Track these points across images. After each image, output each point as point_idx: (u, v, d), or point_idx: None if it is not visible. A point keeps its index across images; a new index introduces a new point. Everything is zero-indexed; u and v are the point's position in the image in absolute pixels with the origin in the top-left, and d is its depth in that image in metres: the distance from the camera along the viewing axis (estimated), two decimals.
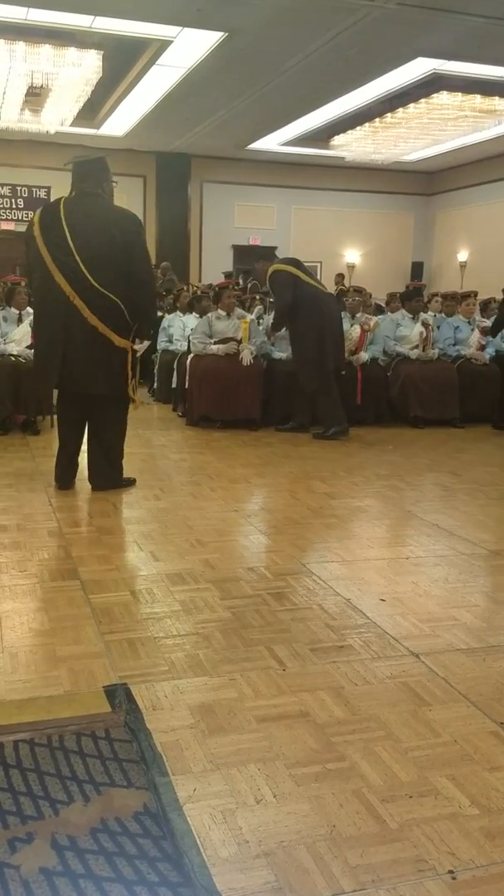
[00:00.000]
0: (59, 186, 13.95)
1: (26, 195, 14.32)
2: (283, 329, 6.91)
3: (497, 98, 11.04)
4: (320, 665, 2.49)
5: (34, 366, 4.86)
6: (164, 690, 2.30)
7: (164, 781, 1.86)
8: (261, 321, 7.65)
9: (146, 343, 4.84)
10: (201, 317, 7.53)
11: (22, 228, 14.30)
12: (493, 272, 8.29)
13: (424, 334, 7.38)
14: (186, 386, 7.11)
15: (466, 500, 4.64)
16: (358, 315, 7.44)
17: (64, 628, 2.72)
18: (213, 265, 15.25)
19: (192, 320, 8.18)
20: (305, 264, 6.92)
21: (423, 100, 11.25)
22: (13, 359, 6.45)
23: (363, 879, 1.58)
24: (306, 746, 2.04)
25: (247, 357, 6.81)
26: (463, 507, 4.51)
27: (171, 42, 8.88)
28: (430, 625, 2.83)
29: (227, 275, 12.62)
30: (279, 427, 6.85)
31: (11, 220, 14.35)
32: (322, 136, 13.65)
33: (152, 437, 6.51)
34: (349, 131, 13.15)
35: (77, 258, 4.31)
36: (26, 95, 10.80)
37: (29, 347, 6.54)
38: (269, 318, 7.48)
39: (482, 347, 7.56)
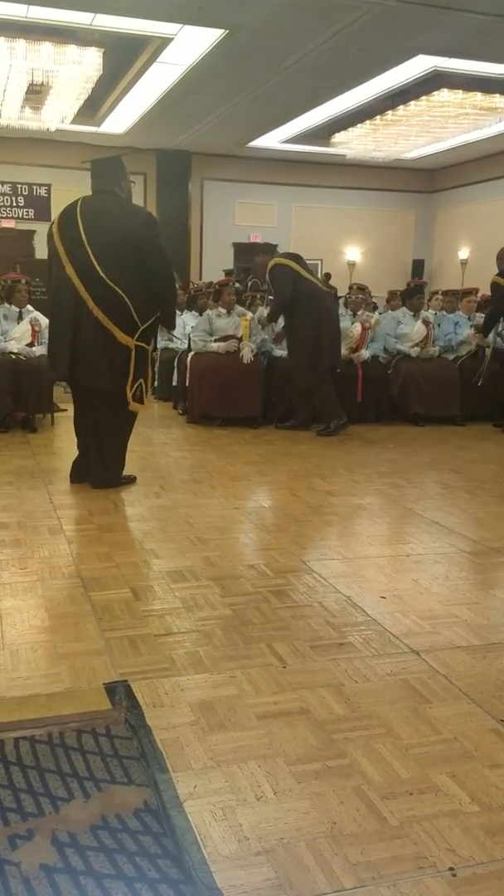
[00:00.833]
0: (60, 184, 13.99)
1: (27, 193, 14.31)
2: (279, 320, 6.94)
3: (498, 95, 11.01)
4: (321, 662, 2.49)
5: (47, 358, 4.91)
6: (164, 687, 2.30)
7: (164, 778, 1.86)
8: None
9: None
10: (200, 315, 7.52)
11: (22, 226, 14.40)
12: (494, 270, 8.27)
13: (425, 332, 7.38)
14: (187, 384, 7.11)
15: (467, 498, 4.64)
16: (359, 313, 7.44)
17: (64, 625, 2.73)
18: (213, 263, 15.23)
19: (191, 318, 8.18)
20: (306, 261, 6.93)
21: (423, 97, 11.22)
22: (13, 357, 6.45)
23: (363, 876, 1.58)
24: (307, 743, 2.04)
25: (247, 355, 6.81)
26: (463, 504, 4.51)
27: (172, 39, 8.87)
28: (431, 622, 2.83)
29: (228, 272, 12.61)
30: (279, 425, 6.85)
31: (12, 217, 14.33)
32: (323, 133, 13.63)
33: (153, 435, 6.51)
34: (350, 129, 13.13)
35: (89, 251, 4.37)
36: (27, 93, 10.79)
37: (29, 345, 6.56)
38: (263, 310, 7.51)
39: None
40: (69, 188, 13.90)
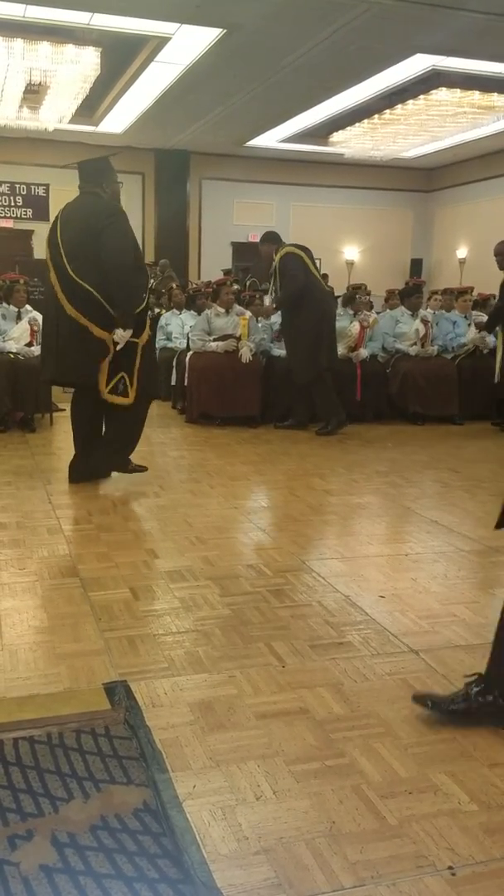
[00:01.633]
0: (58, 184, 13.97)
1: (25, 193, 14.31)
2: (275, 315, 6.89)
3: (495, 94, 11.01)
4: (320, 662, 2.50)
5: (40, 362, 4.93)
6: (163, 687, 2.30)
7: (163, 778, 1.86)
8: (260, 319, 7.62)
9: (125, 333, 4.42)
10: (199, 314, 7.52)
11: (21, 226, 14.40)
12: (492, 269, 8.26)
13: (423, 331, 7.38)
14: (185, 383, 7.10)
15: (466, 497, 4.64)
16: (358, 312, 7.44)
17: (63, 626, 2.73)
18: (212, 262, 15.23)
19: (189, 318, 8.17)
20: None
21: (421, 96, 11.22)
22: (12, 356, 6.45)
23: (363, 875, 1.59)
24: (306, 743, 2.04)
25: (246, 354, 6.81)
26: (462, 503, 4.51)
27: (170, 39, 8.86)
28: (430, 621, 2.84)
29: (226, 272, 12.61)
30: (278, 424, 6.85)
31: (10, 217, 14.33)
32: (321, 132, 13.62)
33: (151, 435, 6.50)
34: (348, 128, 13.13)
35: (61, 251, 4.44)
36: (24, 93, 10.78)
37: (28, 345, 6.56)
38: (267, 299, 7.45)
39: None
40: (67, 188, 13.81)
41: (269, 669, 2.43)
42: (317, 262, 7.27)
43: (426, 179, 16.90)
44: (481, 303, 8.22)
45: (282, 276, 6.63)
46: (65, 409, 7.30)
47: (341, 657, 2.53)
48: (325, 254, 15.89)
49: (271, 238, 6.89)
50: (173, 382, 7.94)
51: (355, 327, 7.25)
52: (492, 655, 2.19)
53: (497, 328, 7.13)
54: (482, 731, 2.11)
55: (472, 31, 8.34)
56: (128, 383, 4.54)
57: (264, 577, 3.27)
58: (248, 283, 11.22)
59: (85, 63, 9.52)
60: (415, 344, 7.38)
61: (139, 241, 5.22)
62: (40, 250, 14.33)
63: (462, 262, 15.99)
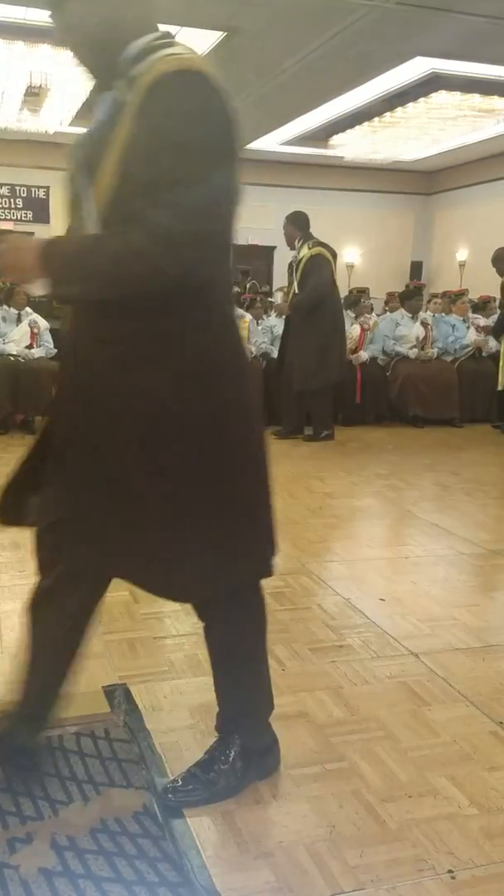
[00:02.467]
0: (59, 186, 14.02)
1: (25, 195, 14.32)
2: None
3: (496, 97, 11.02)
4: (319, 665, 2.49)
5: None
6: (163, 690, 2.30)
7: (163, 781, 1.86)
8: (260, 322, 7.61)
9: None
10: None
11: (21, 228, 14.39)
12: (492, 272, 8.29)
13: (423, 334, 7.39)
14: None
15: (466, 500, 4.64)
16: (359, 315, 7.45)
17: None
18: None
19: None
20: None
21: (421, 99, 11.23)
22: (12, 359, 6.45)
23: (362, 879, 1.58)
24: (305, 747, 2.03)
25: None
26: (462, 506, 4.50)
27: None
28: (430, 624, 2.83)
29: None
30: (307, 437, 6.47)
31: (10, 220, 14.35)
32: (321, 135, 13.63)
33: None
34: (348, 131, 13.13)
35: None
36: (25, 95, 10.79)
37: (28, 347, 6.56)
38: (279, 296, 7.21)
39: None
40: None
41: (269, 673, 2.43)
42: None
43: (426, 182, 16.92)
44: (481, 305, 8.23)
45: (306, 277, 6.17)
46: None
47: (341, 660, 2.53)
48: None
49: (299, 222, 6.30)
50: None
51: (356, 330, 7.25)
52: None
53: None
54: (482, 735, 2.11)
55: (472, 34, 8.35)
56: None
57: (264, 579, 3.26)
58: (247, 286, 11.22)
59: None
60: (415, 347, 7.38)
61: None
62: None
63: (462, 264, 16.00)
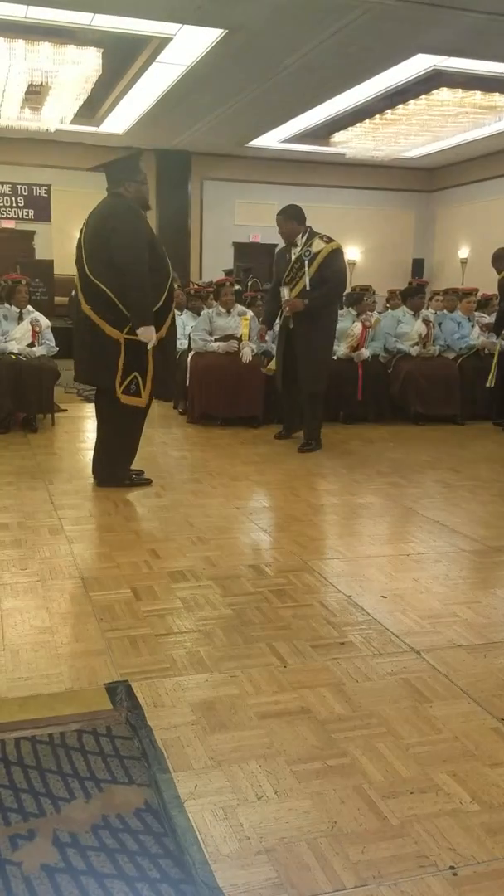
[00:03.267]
0: (60, 184, 14.01)
1: (26, 193, 14.32)
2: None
3: (497, 94, 11.02)
4: (321, 661, 2.49)
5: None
6: (165, 687, 2.30)
7: (165, 778, 1.86)
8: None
9: (146, 332, 4.36)
10: (197, 315, 7.51)
11: (22, 227, 14.42)
12: (494, 269, 8.30)
13: (425, 331, 7.38)
14: (187, 384, 7.10)
15: (468, 497, 4.64)
16: (361, 312, 7.44)
17: (65, 626, 2.73)
18: (213, 263, 15.24)
19: (189, 318, 8.17)
20: None
21: (423, 96, 11.23)
22: (13, 357, 6.45)
23: (364, 875, 1.59)
24: (307, 743, 2.04)
25: (247, 354, 6.81)
26: (464, 503, 4.51)
27: (171, 39, 8.87)
28: (431, 621, 2.83)
29: (228, 272, 12.61)
30: (302, 449, 6.08)
31: (12, 218, 14.35)
32: (322, 133, 13.63)
33: (153, 435, 6.50)
34: (349, 128, 13.14)
35: (83, 252, 4.54)
36: (26, 93, 10.80)
37: (29, 346, 6.56)
38: (286, 291, 6.73)
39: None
40: (69, 188, 13.95)
41: (271, 669, 2.43)
42: None
43: (428, 179, 16.91)
44: (483, 303, 8.22)
45: (325, 270, 5.77)
46: (66, 410, 7.33)
47: (343, 657, 2.53)
48: None
49: (298, 216, 5.95)
50: None
51: (357, 327, 7.24)
52: None
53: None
54: (484, 731, 2.11)
55: (473, 30, 8.34)
56: (140, 384, 4.53)
57: (266, 577, 3.27)
58: (249, 284, 11.22)
59: (86, 64, 9.53)
60: (416, 344, 7.38)
61: None
62: (42, 251, 14.38)
63: (463, 262, 15.99)
